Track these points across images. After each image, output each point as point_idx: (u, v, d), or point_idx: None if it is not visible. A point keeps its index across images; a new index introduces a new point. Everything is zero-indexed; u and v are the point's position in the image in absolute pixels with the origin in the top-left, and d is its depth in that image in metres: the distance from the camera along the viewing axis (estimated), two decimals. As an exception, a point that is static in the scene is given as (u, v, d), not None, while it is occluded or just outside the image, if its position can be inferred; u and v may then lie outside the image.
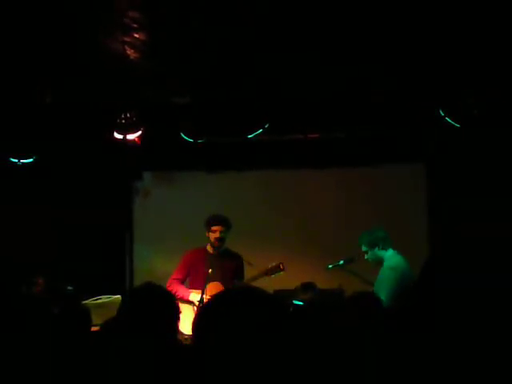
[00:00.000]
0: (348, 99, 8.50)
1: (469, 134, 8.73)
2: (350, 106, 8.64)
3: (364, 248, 7.73)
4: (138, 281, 10.17)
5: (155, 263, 10.23)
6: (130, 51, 7.08)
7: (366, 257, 7.75)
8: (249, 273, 8.31)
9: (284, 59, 7.38)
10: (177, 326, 3.63)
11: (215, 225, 8.20)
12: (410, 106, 8.51)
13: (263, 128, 8.67)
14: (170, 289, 7.83)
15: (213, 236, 8.19)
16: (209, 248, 8.29)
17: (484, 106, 8.03)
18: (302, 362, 2.30)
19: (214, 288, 7.84)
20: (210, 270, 7.92)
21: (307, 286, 8.17)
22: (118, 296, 8.02)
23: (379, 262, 7.69)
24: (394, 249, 7.71)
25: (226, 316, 2.19)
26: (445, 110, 8.20)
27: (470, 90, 7.99)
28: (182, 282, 8.31)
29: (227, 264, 8.21)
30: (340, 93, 8.36)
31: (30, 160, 9.29)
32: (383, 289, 7.28)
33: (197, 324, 2.25)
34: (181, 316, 3.76)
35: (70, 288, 8.53)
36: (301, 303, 7.50)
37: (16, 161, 9.24)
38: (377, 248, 7.66)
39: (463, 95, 8.08)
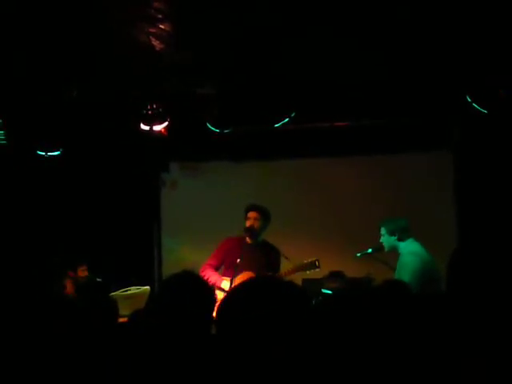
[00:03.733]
0: (374, 87, 8.45)
1: (496, 120, 8.64)
2: (376, 93, 8.59)
3: (382, 231, 7.79)
4: (166, 272, 10.20)
5: (183, 254, 10.26)
6: (155, 42, 7.07)
7: (381, 239, 7.80)
8: (284, 267, 8.27)
9: (309, 48, 7.35)
10: (212, 317, 3.62)
11: (250, 210, 8.20)
12: (437, 93, 8.45)
13: (289, 117, 8.64)
14: (202, 274, 7.91)
15: (248, 223, 8.18)
16: (247, 238, 8.27)
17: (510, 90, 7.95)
18: (322, 352, 2.29)
19: (245, 278, 7.85)
20: (239, 260, 7.91)
21: (335, 275, 8.15)
22: (147, 287, 8.06)
23: (392, 249, 7.75)
24: (417, 238, 7.71)
25: (247, 305, 2.18)
26: (472, 95, 8.12)
27: (497, 75, 7.91)
28: (217, 268, 8.30)
29: (262, 255, 8.19)
30: (366, 81, 8.31)
31: (57, 153, 9.32)
32: (405, 274, 7.29)
33: (219, 313, 2.25)
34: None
35: (99, 279, 8.57)
36: (329, 292, 7.49)
37: (43, 154, 9.28)
38: (393, 237, 7.70)
39: (490, 81, 8.00)
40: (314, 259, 8.06)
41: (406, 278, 7.19)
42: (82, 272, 8.63)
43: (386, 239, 7.77)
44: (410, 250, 7.57)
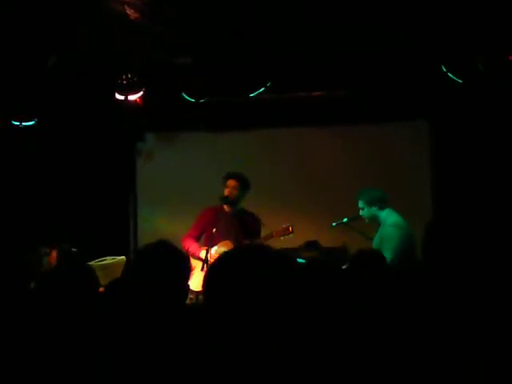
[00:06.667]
0: (350, 56, 8.44)
1: (472, 90, 8.68)
2: (353, 63, 8.58)
3: (361, 204, 7.79)
4: (141, 242, 10.18)
5: (159, 224, 10.24)
6: (129, 11, 7.03)
7: (361, 213, 7.80)
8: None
9: (286, 17, 7.33)
10: (187, 286, 3.63)
11: (230, 178, 8.17)
12: (413, 63, 8.46)
13: (265, 86, 8.63)
14: (182, 245, 7.88)
15: (227, 191, 8.14)
16: (226, 207, 8.26)
17: (486, 60, 7.97)
18: (309, 320, 2.31)
19: (224, 246, 7.85)
20: (214, 230, 7.89)
21: (311, 245, 8.18)
22: (123, 257, 8.04)
23: (374, 220, 7.75)
24: (394, 207, 7.75)
25: (235, 274, 2.19)
26: (447, 65, 8.14)
27: (472, 45, 7.93)
28: (197, 238, 8.27)
29: (240, 224, 8.17)
30: (342, 50, 8.30)
31: (32, 122, 9.27)
32: (388, 247, 7.30)
33: (206, 282, 2.25)
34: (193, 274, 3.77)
35: (74, 249, 8.55)
36: (304, 261, 7.52)
37: (18, 123, 9.22)
38: (374, 207, 7.70)
39: (465, 51, 8.02)
40: (288, 225, 8.06)
41: (390, 250, 7.22)
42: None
43: (367, 211, 7.76)
44: (391, 222, 7.58)
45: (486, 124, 9.30)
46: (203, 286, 2.27)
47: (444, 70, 8.11)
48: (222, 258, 2.31)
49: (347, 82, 9.08)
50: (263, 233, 8.18)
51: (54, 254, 8.37)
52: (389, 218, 7.63)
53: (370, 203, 7.72)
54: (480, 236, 2.97)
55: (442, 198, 9.57)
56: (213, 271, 2.28)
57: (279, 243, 8.03)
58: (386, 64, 8.58)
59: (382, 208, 7.69)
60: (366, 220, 7.81)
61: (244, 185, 8.19)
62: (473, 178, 9.30)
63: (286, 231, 8.03)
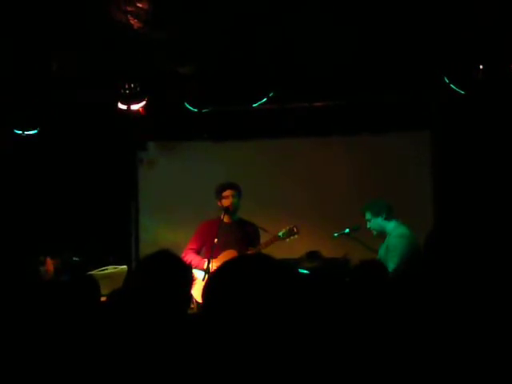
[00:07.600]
0: (352, 67, 8.45)
1: (474, 101, 8.69)
2: (355, 73, 8.60)
3: (368, 216, 7.77)
4: (143, 251, 10.18)
5: (160, 233, 10.24)
6: (133, 21, 7.04)
7: (368, 225, 7.80)
8: (263, 239, 8.25)
9: (288, 27, 7.35)
10: (190, 296, 3.63)
11: (227, 189, 8.17)
12: (415, 73, 8.48)
13: (267, 97, 8.64)
14: (185, 259, 7.84)
15: (226, 202, 8.14)
16: (225, 218, 8.21)
17: (488, 71, 7.98)
18: (309, 329, 2.31)
19: (228, 256, 7.82)
20: (216, 240, 7.89)
21: (312, 255, 8.17)
22: (124, 266, 8.05)
23: (381, 231, 7.73)
24: (398, 218, 7.74)
25: (235, 283, 2.19)
26: (449, 77, 8.16)
27: (474, 56, 7.95)
28: (198, 251, 8.27)
29: (240, 233, 8.17)
30: (344, 60, 8.31)
31: (34, 131, 9.28)
32: (394, 257, 7.31)
33: (206, 291, 2.25)
34: (195, 284, 3.76)
35: (76, 259, 8.55)
36: (306, 271, 7.52)
37: (20, 132, 9.23)
38: (381, 217, 7.69)
39: (467, 62, 8.03)
40: (291, 226, 8.07)
41: (394, 258, 7.24)
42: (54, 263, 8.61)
43: (374, 222, 7.74)
44: (398, 233, 7.58)
45: (488, 134, 9.31)
46: (202, 295, 2.27)
47: (446, 81, 8.12)
48: (222, 267, 2.31)
49: (349, 92, 9.10)
50: (265, 237, 8.18)
51: (50, 262, 8.38)
52: (396, 229, 7.63)
53: (376, 213, 7.71)
54: (481, 246, 2.96)
55: (443, 208, 9.58)
56: (213, 281, 2.28)
57: (279, 253, 8.04)
58: (388, 74, 8.60)
59: (388, 218, 7.68)
60: (374, 232, 7.80)
61: (240, 192, 8.22)
62: (475, 187, 9.31)
63: (291, 232, 8.04)
